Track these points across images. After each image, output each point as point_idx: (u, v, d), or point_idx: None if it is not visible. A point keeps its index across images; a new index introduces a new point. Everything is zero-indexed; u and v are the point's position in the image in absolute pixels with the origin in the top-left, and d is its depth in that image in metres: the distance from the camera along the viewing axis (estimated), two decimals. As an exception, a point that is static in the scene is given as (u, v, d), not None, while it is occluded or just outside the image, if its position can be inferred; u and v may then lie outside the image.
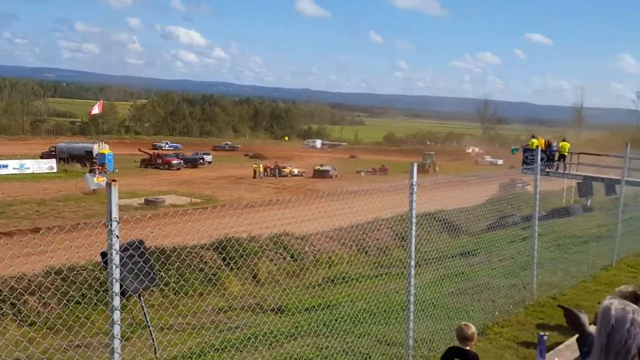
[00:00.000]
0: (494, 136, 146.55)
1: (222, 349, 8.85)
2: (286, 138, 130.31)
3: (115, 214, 4.21)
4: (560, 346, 5.60)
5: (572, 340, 5.77)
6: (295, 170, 74.32)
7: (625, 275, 11.25)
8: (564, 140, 31.05)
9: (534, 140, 31.75)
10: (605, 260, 12.06)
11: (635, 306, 2.82)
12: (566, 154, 29.95)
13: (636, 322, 2.74)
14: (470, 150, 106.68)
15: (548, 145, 30.61)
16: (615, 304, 2.84)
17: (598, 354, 2.80)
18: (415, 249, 7.17)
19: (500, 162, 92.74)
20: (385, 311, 9.93)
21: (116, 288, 4.36)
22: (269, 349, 8.05)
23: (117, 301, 4.38)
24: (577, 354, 3.16)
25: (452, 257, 14.21)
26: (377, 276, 17.35)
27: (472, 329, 5.64)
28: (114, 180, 4.31)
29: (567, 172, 28.37)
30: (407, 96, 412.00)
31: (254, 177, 69.32)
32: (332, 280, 17.42)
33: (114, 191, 4.19)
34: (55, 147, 73.08)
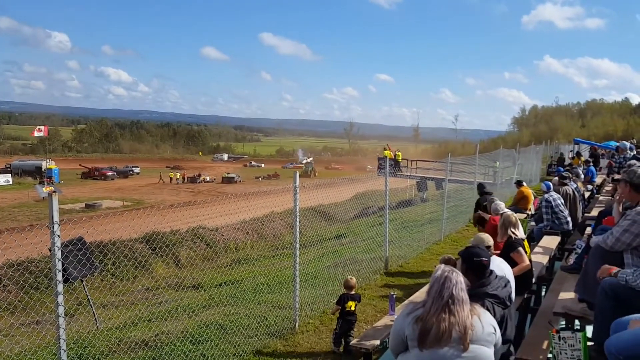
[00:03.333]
0: (357, 149, 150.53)
1: (150, 320, 8.52)
2: (200, 153, 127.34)
3: (56, 218, 3.97)
4: (405, 301, 5.80)
5: (415, 295, 6.01)
6: (208, 178, 72.73)
7: (449, 247, 11.80)
8: (398, 151, 33.17)
9: (387, 152, 33.25)
10: (436, 237, 12.62)
11: (451, 267, 3.06)
12: (400, 160, 31.79)
13: (448, 278, 2.99)
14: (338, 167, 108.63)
15: (394, 155, 32.10)
16: (441, 267, 3.08)
17: (425, 298, 3.05)
18: (300, 234, 7.20)
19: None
20: (278, 283, 9.90)
21: (59, 277, 4.08)
22: (188, 317, 7.80)
23: (60, 287, 4.10)
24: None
25: (329, 239, 14.43)
26: (273, 256, 17.31)
27: (354, 280, 6.42)
28: (54, 192, 4.04)
29: (410, 174, 29.68)
30: (293, 120, 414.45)
31: (170, 182, 68.36)
32: (239, 262, 17.21)
33: (55, 200, 3.93)
34: (10, 164, 69.45)
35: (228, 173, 76.24)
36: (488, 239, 5.13)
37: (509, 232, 5.83)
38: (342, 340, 6.17)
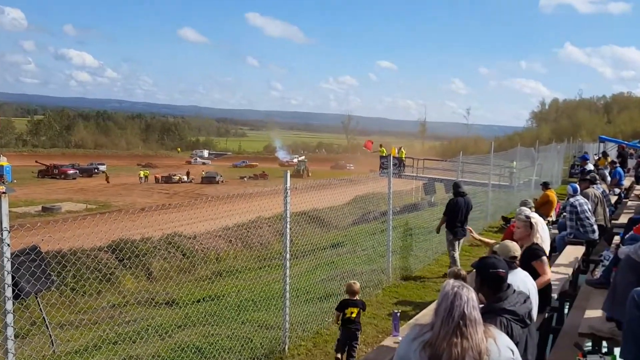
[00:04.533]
0: (357, 145, 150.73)
1: (116, 342, 8.43)
2: (179, 150, 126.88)
3: (5, 223, 3.87)
4: (411, 320, 5.77)
5: (421, 314, 5.99)
6: (185, 178, 72.59)
7: (461, 258, 11.79)
8: (401, 149, 33.36)
9: (384, 149, 33.48)
10: (445, 246, 12.61)
11: (461, 282, 3.02)
12: (404, 159, 31.93)
13: (458, 295, 2.93)
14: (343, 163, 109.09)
15: (399, 152, 32.27)
16: (450, 282, 3.04)
17: (433, 319, 2.99)
18: (291, 243, 7.17)
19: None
20: (266, 299, 9.85)
21: (8, 292, 3.99)
22: (161, 339, 7.73)
23: (9, 305, 4.01)
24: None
25: (324, 248, 14.35)
26: (260, 268, 17.24)
27: (358, 285, 6.57)
28: (4, 192, 3.96)
29: (415, 174, 29.73)
30: (283, 112, 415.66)
31: (140, 182, 68.49)
32: (220, 274, 17.12)
33: (4, 202, 3.84)
34: (-49, 162, 68.07)
35: (205, 172, 76.00)
36: (514, 248, 5.04)
37: (535, 236, 5.81)
38: (346, 349, 6.34)
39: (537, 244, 5.79)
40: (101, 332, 9.73)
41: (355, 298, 6.45)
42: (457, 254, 10.67)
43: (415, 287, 9.84)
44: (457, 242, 10.71)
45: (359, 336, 6.50)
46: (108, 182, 66.85)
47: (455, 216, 10.55)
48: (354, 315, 6.33)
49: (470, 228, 9.12)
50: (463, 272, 5.60)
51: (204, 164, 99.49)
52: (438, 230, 10.89)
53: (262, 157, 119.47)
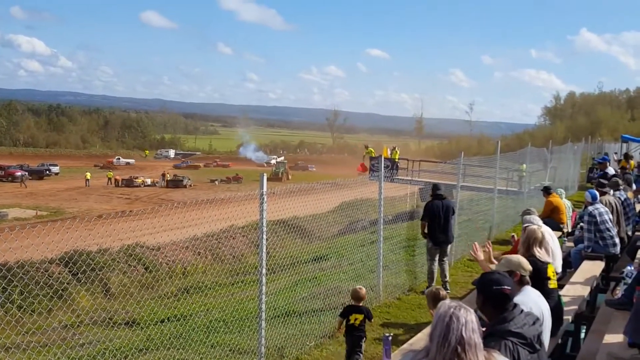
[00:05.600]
0: (344, 145, 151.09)
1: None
2: (146, 152, 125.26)
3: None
4: (405, 345, 5.76)
5: (416, 338, 5.97)
6: (148, 181, 72.27)
7: (462, 273, 11.83)
8: (394, 149, 33.42)
9: (372, 149, 33.56)
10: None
11: (458, 303, 3.00)
12: (397, 161, 31.94)
13: (455, 316, 2.93)
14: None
15: (390, 153, 32.34)
16: (446, 303, 3.03)
17: (427, 344, 3.00)
18: (269, 255, 7.14)
19: None
20: (239, 319, 9.80)
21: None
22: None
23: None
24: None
25: (305, 262, 14.35)
26: (232, 284, 17.19)
27: (364, 290, 7.06)
28: None
29: (410, 178, 29.82)
30: (260, 107, 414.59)
31: (107, 184, 69.07)
32: (187, 291, 17.03)
33: None
34: None
35: (167, 174, 75.54)
36: (524, 265, 5.03)
37: (533, 251, 5.85)
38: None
39: (535, 258, 5.79)
40: (52, 356, 9.62)
41: (360, 304, 6.91)
42: (436, 268, 10.67)
43: (409, 307, 9.84)
44: (437, 253, 10.72)
45: (363, 345, 6.88)
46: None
47: (434, 221, 10.57)
48: (357, 322, 6.76)
49: (477, 245, 8.92)
50: (443, 292, 5.58)
51: (180, 166, 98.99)
52: (424, 235, 10.91)
53: (234, 158, 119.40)
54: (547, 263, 5.86)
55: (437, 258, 10.67)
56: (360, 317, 6.80)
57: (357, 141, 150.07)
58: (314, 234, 17.64)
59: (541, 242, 5.95)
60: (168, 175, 73.95)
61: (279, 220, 12.95)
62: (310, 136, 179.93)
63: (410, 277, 11.44)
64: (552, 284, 5.75)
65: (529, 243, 5.94)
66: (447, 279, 10.74)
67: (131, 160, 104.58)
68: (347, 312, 6.86)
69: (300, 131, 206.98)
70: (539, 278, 5.46)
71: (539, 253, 5.87)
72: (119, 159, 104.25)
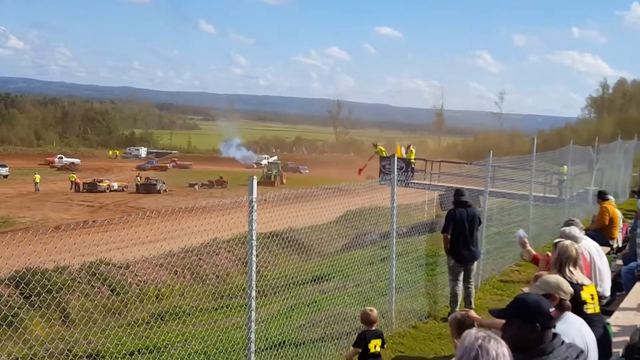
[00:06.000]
0: (349, 141, 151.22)
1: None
2: (117, 152, 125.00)
3: None
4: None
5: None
6: (115, 185, 72.40)
7: (491, 298, 11.82)
8: (410, 147, 33.03)
9: (381, 148, 33.39)
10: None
11: (487, 333, 2.99)
12: (413, 161, 31.73)
13: (484, 349, 2.94)
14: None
15: (405, 152, 32.20)
16: (472, 332, 3.02)
17: None
18: (259, 275, 7.16)
19: None
20: (223, 352, 9.79)
21: None
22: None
23: None
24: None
25: (303, 283, 14.36)
26: (216, 309, 17.17)
27: (375, 312, 7.35)
28: None
29: (429, 182, 29.80)
30: (249, 96, 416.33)
31: (71, 188, 70.06)
32: (161, 317, 17.02)
33: None
34: None
35: (139, 178, 75.52)
36: (564, 286, 5.02)
37: (565, 272, 5.83)
38: None
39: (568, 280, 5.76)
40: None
41: (373, 328, 7.17)
42: (460, 289, 10.67)
43: (428, 338, 9.84)
44: (462, 272, 10.72)
45: None
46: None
47: (457, 233, 10.58)
48: (378, 348, 7.04)
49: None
50: (470, 316, 5.55)
51: (145, 166, 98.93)
52: (446, 251, 10.87)
53: (216, 158, 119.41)
54: (583, 285, 5.83)
55: (461, 278, 10.68)
56: (379, 342, 7.05)
57: (365, 138, 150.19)
58: (313, 250, 17.65)
59: (575, 261, 5.93)
60: (139, 179, 73.95)
61: (272, 232, 12.96)
62: (309, 132, 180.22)
63: (429, 301, 11.44)
64: (592, 308, 5.73)
65: (561, 263, 5.92)
66: (473, 304, 10.75)
67: (76, 160, 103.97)
68: (363, 339, 7.00)
69: (296, 126, 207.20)
70: (572, 303, 5.45)
71: (573, 274, 5.85)
72: (61, 157, 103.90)
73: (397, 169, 10.64)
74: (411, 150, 32.95)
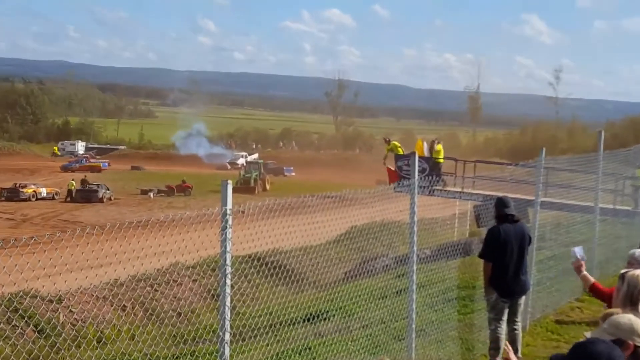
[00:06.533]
0: (354, 135, 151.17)
1: None
2: (55, 149, 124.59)
3: None
4: None
5: None
6: (43, 191, 72.13)
7: (543, 343, 11.82)
8: (436, 143, 32.60)
9: (397, 144, 33.16)
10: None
11: None
12: (441, 161, 31.54)
13: None
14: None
15: (429, 149, 32.07)
16: None
17: None
18: (234, 312, 7.16)
19: None
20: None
21: None
22: None
23: None
24: None
25: (293, 323, 14.36)
26: (177, 358, 17.20)
27: None
28: None
29: (461, 190, 29.78)
30: (221, 74, 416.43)
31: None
32: (105, 368, 17.02)
33: None
34: None
35: (73, 183, 75.22)
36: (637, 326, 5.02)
37: (638, 310, 5.82)
38: None
39: None
40: None
41: None
42: (503, 332, 10.63)
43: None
44: (506, 309, 10.69)
45: None
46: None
47: (501, 258, 10.52)
48: None
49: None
50: None
51: (71, 166, 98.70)
52: (487, 291, 10.84)
53: (178, 156, 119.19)
54: None
55: (505, 317, 10.64)
56: None
57: (376, 129, 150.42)
58: (306, 278, 17.64)
59: None
60: (73, 184, 73.45)
61: (252, 255, 12.96)
62: (301, 121, 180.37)
63: (460, 348, 11.45)
64: None
65: (631, 298, 5.90)
66: (520, 351, 10.73)
67: (78, 145, 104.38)
68: None
69: (284, 113, 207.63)
70: None
71: None
72: (75, 145, 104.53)
73: (419, 171, 10.63)
74: (438, 146, 32.82)
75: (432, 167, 30.72)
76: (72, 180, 75.70)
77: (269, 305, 10.63)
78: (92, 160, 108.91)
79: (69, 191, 71.38)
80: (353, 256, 18.80)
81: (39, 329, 20.40)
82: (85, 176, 79.89)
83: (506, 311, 10.65)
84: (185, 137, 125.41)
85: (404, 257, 11.89)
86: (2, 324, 19.87)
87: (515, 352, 10.65)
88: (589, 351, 3.86)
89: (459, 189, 30.07)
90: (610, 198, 20.26)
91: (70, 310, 21.36)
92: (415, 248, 10.26)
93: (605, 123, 72.90)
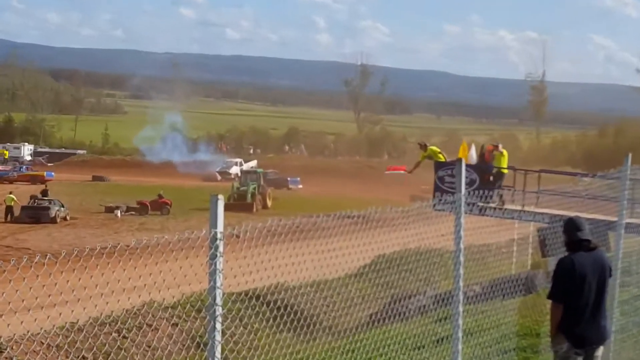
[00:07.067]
0: (380, 136, 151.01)
1: None
2: (5, 153, 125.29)
3: None
4: None
5: None
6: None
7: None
8: (498, 147, 32.45)
9: (435, 148, 33.10)
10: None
11: None
12: (505, 171, 31.46)
13: None
14: None
15: (482, 155, 32.06)
16: None
17: None
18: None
19: None
20: None
21: None
22: None
23: None
24: None
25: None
26: None
27: None
28: None
29: (521, 208, 29.77)
30: (209, 57, 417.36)
31: None
32: None
33: None
34: None
35: (13, 197, 75.26)
36: None
37: None
38: None
39: None
40: None
41: None
42: None
43: None
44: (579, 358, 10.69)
45: None
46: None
47: (574, 297, 10.48)
48: None
49: None
50: None
51: (6, 175, 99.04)
52: (555, 341, 10.80)
53: (151, 162, 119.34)
54: None
55: None
56: None
57: (409, 129, 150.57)
58: (320, 322, 17.68)
59: None
60: (13, 198, 73.17)
61: (249, 292, 12.96)
62: (312, 118, 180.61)
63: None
64: None
65: None
66: None
67: (24, 150, 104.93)
68: None
69: (290, 108, 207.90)
70: None
71: None
72: (21, 149, 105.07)
73: (467, 183, 10.63)
74: (502, 153, 32.62)
75: (495, 179, 30.72)
76: (11, 194, 75.18)
77: (271, 357, 10.63)
78: (32, 168, 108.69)
79: (8, 208, 70.84)
80: (380, 294, 18.86)
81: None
82: (46, 186, 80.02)
83: None
84: (151, 137, 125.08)
85: (446, 295, 11.87)
86: None
87: None
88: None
89: (519, 207, 30.10)
90: None
91: (15, 361, 21.44)
92: (461, 284, 10.26)
93: None
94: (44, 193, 75.57)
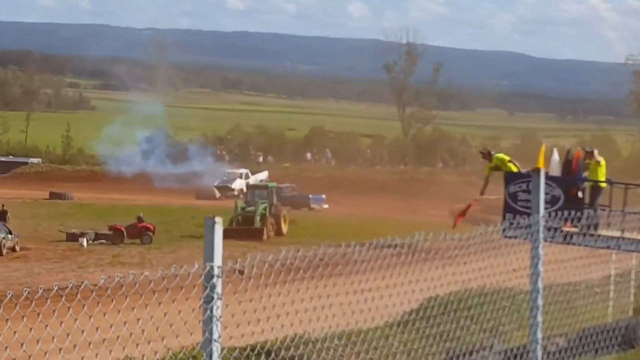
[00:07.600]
0: (432, 139, 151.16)
1: None
2: None
3: None
4: None
5: None
6: None
7: None
8: (588, 154, 32.22)
9: (503, 155, 33.03)
10: None
11: None
12: (602, 185, 31.38)
13: None
14: None
15: (568, 163, 32.00)
16: None
17: None
18: None
19: None
20: None
21: None
22: None
23: None
24: None
25: None
26: None
27: None
28: None
29: (621, 235, 29.70)
30: (204, 33, 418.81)
31: None
32: None
33: None
34: None
35: None
36: None
37: None
38: None
39: None
40: None
41: None
42: None
43: None
44: None
45: None
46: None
47: None
48: None
49: None
50: None
51: None
52: None
53: (126, 175, 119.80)
54: None
55: None
56: None
57: (472, 129, 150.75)
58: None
59: None
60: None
61: (255, 346, 12.97)
62: (341, 115, 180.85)
63: None
64: None
65: None
66: None
67: None
68: None
69: (312, 102, 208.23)
70: None
71: None
72: None
73: (546, 201, 10.61)
74: (597, 162, 32.50)
75: (591, 195, 30.62)
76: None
77: None
78: None
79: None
80: (432, 349, 18.86)
81: None
82: (3, 206, 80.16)
83: None
84: (125, 140, 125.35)
85: (519, 350, 11.89)
86: None
87: None
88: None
89: (617, 233, 30.06)
90: None
91: None
92: (539, 335, 10.27)
93: None
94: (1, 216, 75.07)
